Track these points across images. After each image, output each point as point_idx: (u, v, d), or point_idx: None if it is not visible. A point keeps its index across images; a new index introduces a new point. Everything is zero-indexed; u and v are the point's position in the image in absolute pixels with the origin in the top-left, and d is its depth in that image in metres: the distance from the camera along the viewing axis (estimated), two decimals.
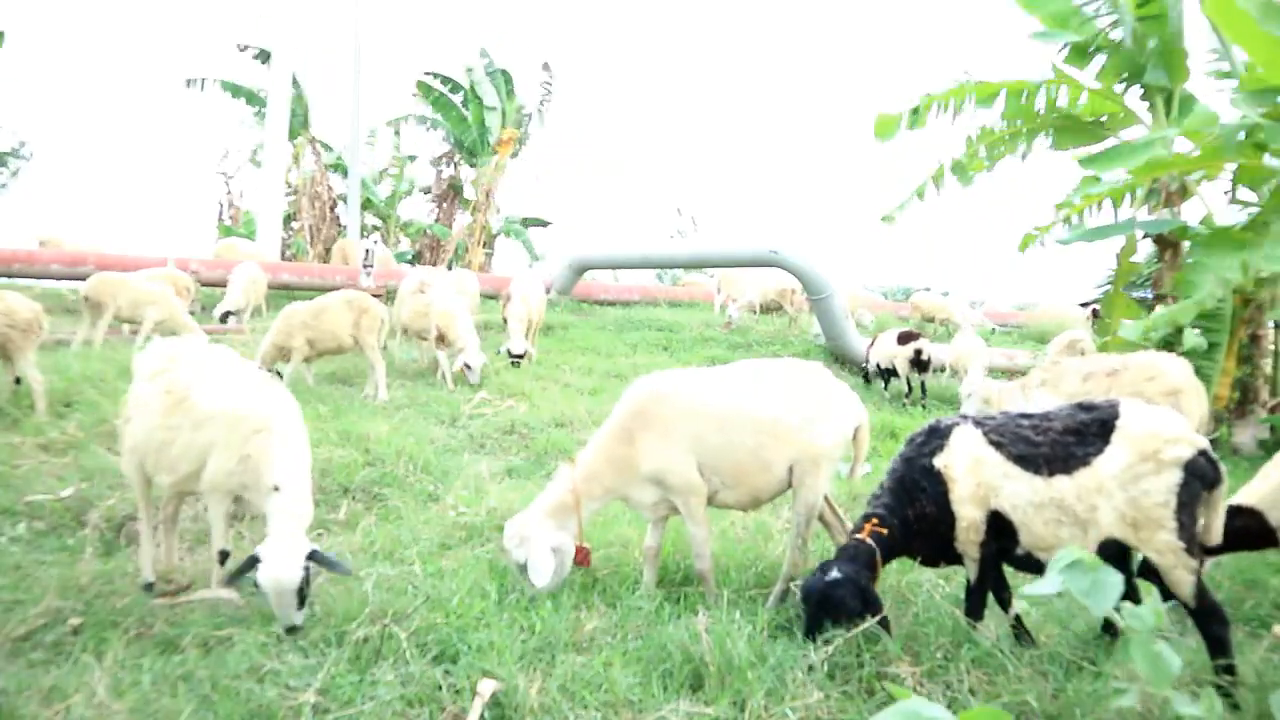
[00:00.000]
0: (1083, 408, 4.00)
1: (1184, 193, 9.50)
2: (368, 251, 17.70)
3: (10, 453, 6.75)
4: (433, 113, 28.44)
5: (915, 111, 10.15)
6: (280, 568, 3.89)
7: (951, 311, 18.35)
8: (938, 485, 3.97)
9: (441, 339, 10.80)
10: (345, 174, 26.27)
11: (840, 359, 14.62)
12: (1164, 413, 3.82)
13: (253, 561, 3.96)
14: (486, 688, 3.33)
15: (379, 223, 30.05)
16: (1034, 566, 3.89)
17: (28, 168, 30.00)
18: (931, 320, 18.51)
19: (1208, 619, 3.58)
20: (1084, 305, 16.96)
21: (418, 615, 4.02)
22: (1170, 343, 8.49)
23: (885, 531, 3.99)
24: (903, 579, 4.72)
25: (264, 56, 26.02)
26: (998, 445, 3.90)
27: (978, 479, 3.86)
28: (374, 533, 5.49)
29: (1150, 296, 10.16)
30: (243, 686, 3.38)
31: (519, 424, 8.92)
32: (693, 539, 4.56)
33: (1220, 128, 7.69)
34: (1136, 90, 9.92)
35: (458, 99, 28.21)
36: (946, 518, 3.94)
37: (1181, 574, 3.55)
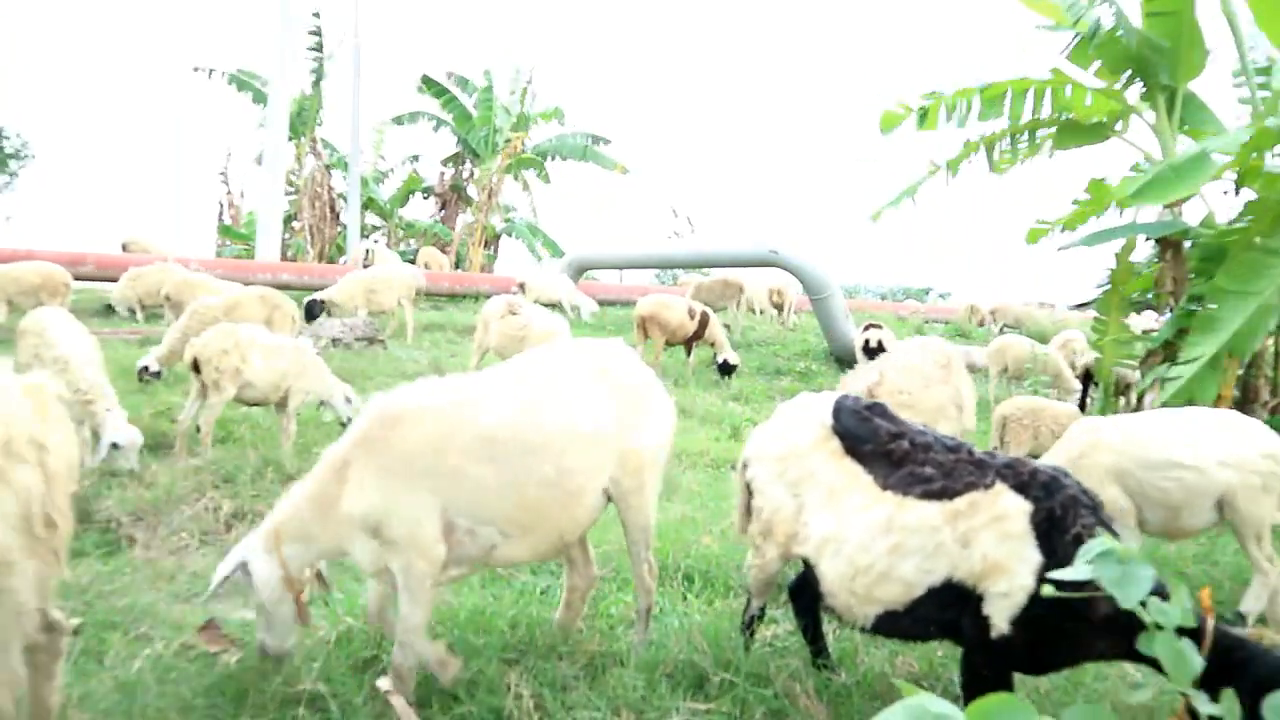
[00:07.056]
0: None
1: None
2: (368, 252, 17.73)
3: None
4: (441, 108, 28.09)
5: (924, 114, 9.99)
6: None
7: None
8: None
9: None
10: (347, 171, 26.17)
11: (840, 359, 14.67)
12: None
13: None
14: (383, 683, 3.22)
15: (380, 223, 30.01)
16: None
17: (30, 167, 29.94)
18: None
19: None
20: (1080, 306, 17.11)
21: None
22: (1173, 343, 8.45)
23: None
24: None
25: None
26: None
27: None
28: None
29: (1150, 296, 10.11)
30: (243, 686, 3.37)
31: None
32: (401, 621, 3.27)
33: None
34: (1136, 88, 9.86)
35: (466, 98, 28.02)
36: None
37: None
